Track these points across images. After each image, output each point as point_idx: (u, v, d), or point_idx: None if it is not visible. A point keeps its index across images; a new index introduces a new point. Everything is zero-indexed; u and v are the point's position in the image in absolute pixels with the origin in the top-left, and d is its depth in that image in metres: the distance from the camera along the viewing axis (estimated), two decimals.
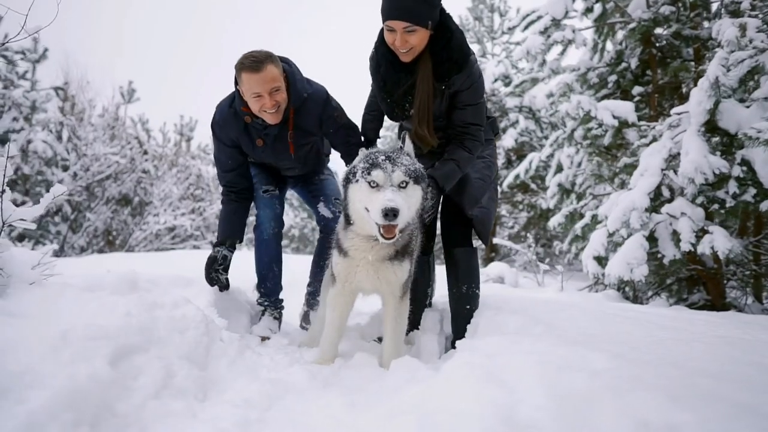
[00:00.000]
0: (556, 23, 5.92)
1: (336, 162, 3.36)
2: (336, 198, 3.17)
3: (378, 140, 3.04)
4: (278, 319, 3.13)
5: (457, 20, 2.58)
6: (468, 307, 2.67)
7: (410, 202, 2.10)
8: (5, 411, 1.22)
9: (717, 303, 4.65)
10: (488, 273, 6.23)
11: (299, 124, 2.84)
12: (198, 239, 13.09)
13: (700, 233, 4.10)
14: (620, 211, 4.40)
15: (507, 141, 10.95)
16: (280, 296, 3.22)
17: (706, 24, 5.95)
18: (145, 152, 12.88)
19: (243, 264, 3.43)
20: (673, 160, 4.39)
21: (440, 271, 3.08)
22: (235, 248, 3.08)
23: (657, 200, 4.44)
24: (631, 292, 5.13)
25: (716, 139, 4.23)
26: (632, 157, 5.13)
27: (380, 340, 2.72)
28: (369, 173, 2.06)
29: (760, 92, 3.96)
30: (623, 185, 5.41)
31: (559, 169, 7.35)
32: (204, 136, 17.69)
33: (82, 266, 5.58)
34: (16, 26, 2.70)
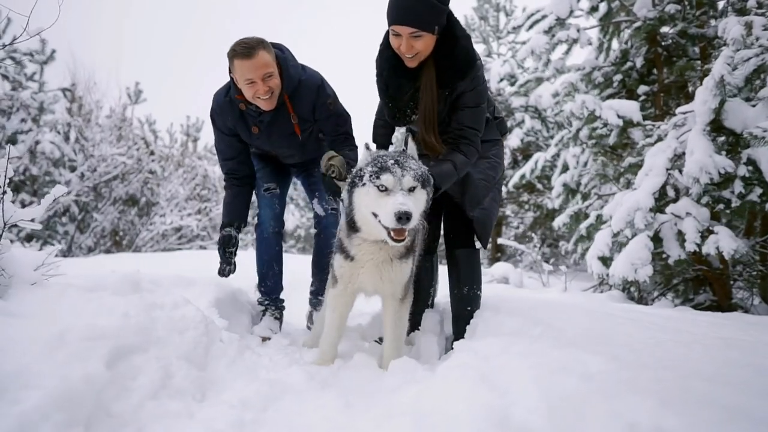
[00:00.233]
0: (561, 22, 5.89)
1: None
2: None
3: (390, 146, 3.00)
4: (279, 319, 3.13)
5: (462, 20, 2.54)
6: (469, 308, 2.66)
7: (418, 206, 2.10)
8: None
9: (723, 304, 4.61)
10: (493, 273, 6.21)
11: (295, 110, 2.84)
12: (204, 239, 13.14)
13: (706, 233, 4.06)
14: (624, 211, 4.37)
15: (513, 141, 10.92)
16: (281, 296, 3.23)
17: (713, 22, 5.90)
18: (152, 153, 12.95)
19: (244, 264, 3.44)
20: (678, 159, 4.36)
21: (443, 271, 3.07)
22: (240, 230, 3.07)
23: (662, 200, 4.41)
24: (636, 292, 5.10)
25: (722, 138, 4.19)
26: (637, 157, 5.10)
27: (381, 340, 2.72)
28: (378, 177, 2.04)
29: (766, 91, 3.92)
30: (628, 185, 5.37)
31: (565, 168, 7.32)
32: (210, 137, 17.73)
33: (87, 266, 5.62)
34: (22, 28, 2.73)
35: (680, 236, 4.15)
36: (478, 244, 2.79)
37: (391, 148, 2.92)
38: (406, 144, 2.28)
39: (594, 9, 6.41)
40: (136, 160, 11.78)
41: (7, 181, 2.18)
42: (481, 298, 2.72)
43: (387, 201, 2.00)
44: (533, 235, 10.98)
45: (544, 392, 1.26)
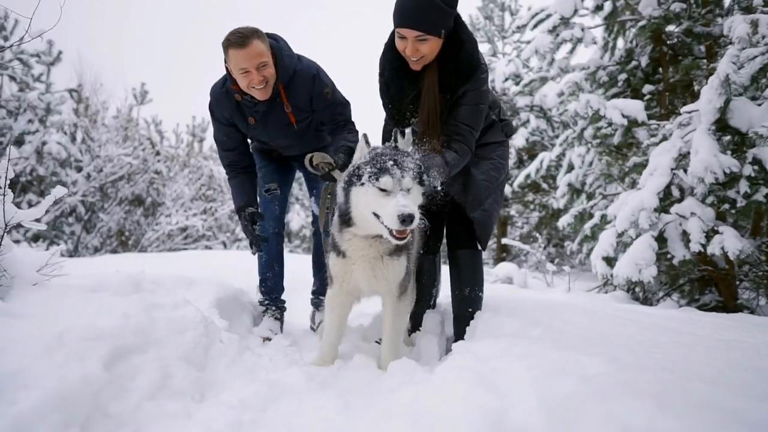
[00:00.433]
0: (565, 21, 5.87)
1: None
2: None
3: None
4: (279, 319, 3.14)
5: (467, 20, 2.49)
6: (470, 309, 2.64)
7: (417, 203, 2.11)
8: None
9: (729, 304, 4.57)
10: (497, 273, 6.19)
11: (290, 100, 2.83)
12: (210, 239, 13.19)
13: (712, 233, 4.03)
14: (629, 211, 4.35)
15: (518, 140, 10.89)
16: (283, 297, 3.23)
17: (719, 20, 5.85)
18: (158, 153, 13.01)
19: (246, 265, 3.46)
20: (683, 159, 4.33)
21: (445, 271, 3.05)
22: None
23: (666, 200, 4.38)
24: (640, 293, 5.07)
25: (727, 137, 4.16)
26: (642, 157, 5.07)
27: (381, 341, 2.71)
28: (378, 179, 2.04)
29: None
30: (633, 185, 5.34)
31: (570, 168, 7.29)
32: None
33: (92, 266, 5.65)
34: (28, 30, 2.75)
35: (685, 236, 4.12)
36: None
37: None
38: (395, 139, 2.27)
39: (599, 8, 6.37)
40: (141, 160, 11.83)
41: (9, 182, 2.19)
42: (482, 299, 2.70)
43: (388, 202, 2.01)
44: (538, 235, 10.94)
45: (542, 394, 1.25)
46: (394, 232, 2.01)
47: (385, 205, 2.02)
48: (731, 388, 1.27)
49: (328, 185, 2.68)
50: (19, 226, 2.28)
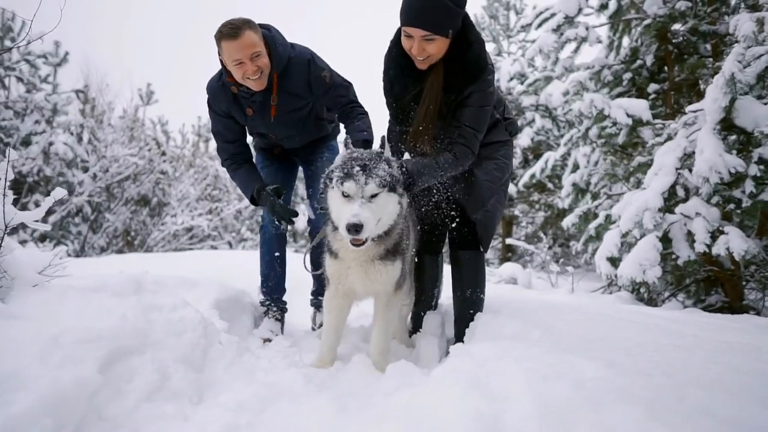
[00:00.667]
0: (569, 21, 5.83)
1: None
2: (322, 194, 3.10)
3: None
4: (280, 320, 3.13)
5: (472, 19, 2.44)
6: (471, 311, 2.62)
7: (384, 211, 2.08)
8: None
9: (735, 305, 4.53)
10: (501, 274, 6.16)
11: (286, 88, 2.81)
12: (215, 239, 13.23)
13: (717, 233, 4.00)
14: (633, 211, 4.31)
15: (523, 140, 10.84)
16: (284, 298, 3.23)
17: (726, 18, 5.80)
18: (163, 153, 13.06)
19: (249, 265, 3.46)
20: (688, 158, 4.29)
21: (447, 272, 3.02)
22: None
23: (671, 200, 4.34)
24: (645, 293, 5.03)
25: (733, 137, 4.12)
26: (647, 156, 5.03)
27: None
28: (342, 183, 2.05)
29: None
30: (639, 184, 5.30)
31: (575, 168, 7.25)
32: None
33: (97, 267, 5.67)
34: (35, 31, 2.77)
35: (690, 237, 4.09)
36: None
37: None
38: (382, 145, 2.25)
39: (604, 6, 6.33)
40: (147, 160, 11.89)
41: (15, 182, 2.20)
42: (484, 301, 2.68)
43: (346, 208, 2.02)
44: (543, 235, 10.89)
45: (537, 399, 1.24)
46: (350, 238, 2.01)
47: (343, 211, 2.02)
48: (729, 393, 1.26)
49: None
50: (24, 226, 2.29)
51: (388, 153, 2.23)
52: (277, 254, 3.12)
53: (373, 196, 2.05)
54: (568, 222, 6.36)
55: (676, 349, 1.83)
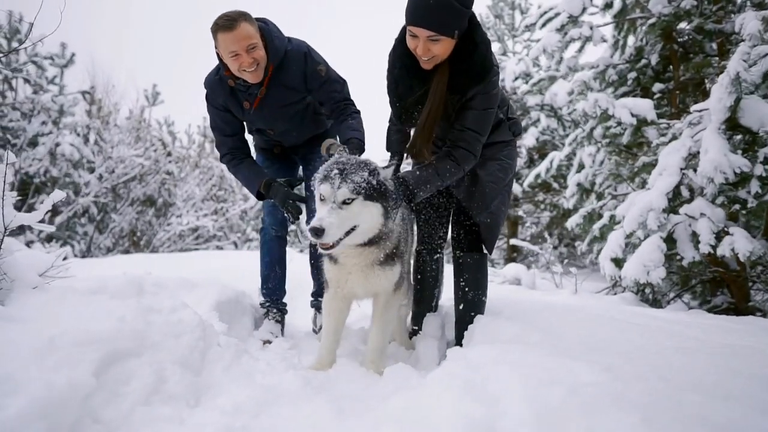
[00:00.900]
0: (574, 20, 5.81)
1: None
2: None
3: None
4: (280, 322, 3.13)
5: (477, 18, 2.41)
6: (473, 313, 2.59)
7: (359, 219, 2.06)
8: None
9: (741, 306, 4.49)
10: (505, 274, 6.13)
11: (283, 81, 2.81)
12: (221, 240, 13.27)
13: (722, 234, 3.96)
14: (637, 211, 4.28)
15: (528, 140, 10.80)
16: (284, 299, 3.23)
17: (732, 17, 5.75)
18: (169, 154, 13.11)
19: (254, 266, 3.45)
20: (692, 158, 4.25)
21: (448, 273, 3.00)
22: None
23: (676, 200, 4.30)
24: (650, 294, 4.99)
25: (738, 137, 4.08)
26: (652, 156, 5.00)
27: None
28: (319, 185, 2.07)
29: None
30: (644, 185, 5.26)
31: (581, 167, 7.21)
32: None
33: (101, 267, 5.70)
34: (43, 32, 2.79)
35: (694, 237, 4.05)
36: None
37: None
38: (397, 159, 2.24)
39: (608, 5, 6.29)
40: (153, 161, 11.94)
41: (8, 185, 2.20)
42: (485, 303, 2.65)
43: (318, 211, 2.03)
44: (547, 235, 10.85)
45: (531, 405, 1.22)
46: None
47: (317, 213, 2.04)
48: (728, 399, 1.24)
49: None
50: (30, 227, 2.30)
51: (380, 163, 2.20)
52: (276, 257, 3.12)
53: (346, 202, 2.03)
54: (572, 222, 6.33)
55: (676, 352, 1.81)
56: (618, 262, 4.60)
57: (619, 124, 5.40)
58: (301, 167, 3.36)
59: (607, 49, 6.80)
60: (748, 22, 3.98)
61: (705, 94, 5.87)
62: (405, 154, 2.79)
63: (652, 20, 5.74)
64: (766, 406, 1.25)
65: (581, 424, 1.04)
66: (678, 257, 4.27)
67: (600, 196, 6.61)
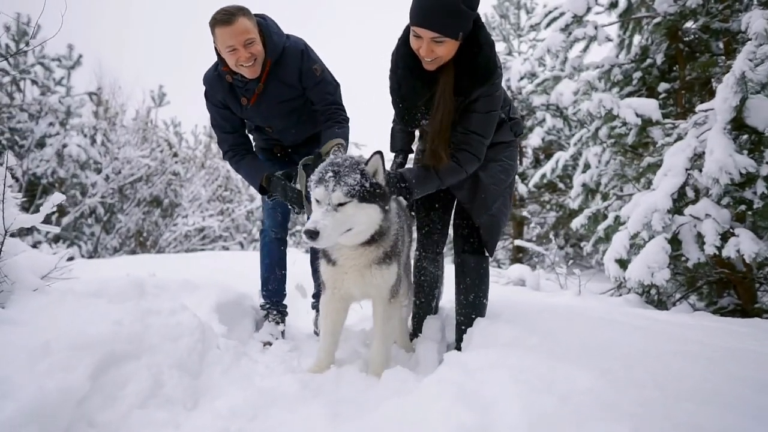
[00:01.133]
0: (578, 20, 5.77)
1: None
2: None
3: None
4: (280, 324, 3.12)
5: (482, 18, 2.38)
6: (473, 316, 2.57)
7: (354, 221, 2.06)
8: None
9: (748, 308, 4.44)
10: (509, 275, 6.11)
11: (280, 77, 2.80)
12: (227, 240, 13.31)
13: (728, 235, 3.92)
14: (641, 212, 4.24)
15: (534, 140, 10.76)
16: (284, 301, 3.22)
17: (739, 15, 5.69)
18: (175, 154, 13.16)
19: (251, 268, 3.46)
20: (698, 159, 4.20)
21: (448, 274, 2.97)
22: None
23: (681, 201, 4.26)
24: (655, 295, 4.95)
25: (744, 137, 4.03)
26: (657, 157, 4.95)
27: None
28: (315, 188, 2.06)
29: None
30: (649, 185, 5.22)
31: (586, 168, 7.16)
32: None
33: (107, 268, 5.72)
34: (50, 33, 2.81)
35: (700, 238, 4.01)
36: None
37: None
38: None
39: (613, 5, 6.24)
40: (159, 162, 11.99)
41: (14, 186, 2.22)
42: (486, 306, 2.63)
43: (313, 213, 2.03)
44: (552, 236, 10.79)
45: (524, 412, 1.21)
46: None
47: (312, 215, 2.04)
48: (723, 407, 1.22)
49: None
50: (37, 229, 2.31)
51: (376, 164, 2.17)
52: (276, 258, 3.12)
53: (341, 204, 2.03)
54: (577, 223, 6.29)
55: (676, 356, 1.79)
56: (622, 263, 4.55)
57: (624, 124, 5.35)
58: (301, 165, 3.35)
59: (613, 49, 6.75)
60: (754, 20, 3.94)
61: (711, 94, 5.81)
62: (411, 152, 2.79)
63: (658, 19, 5.69)
64: (761, 412, 1.23)
65: None
66: (683, 258, 4.23)
67: (605, 197, 6.57)
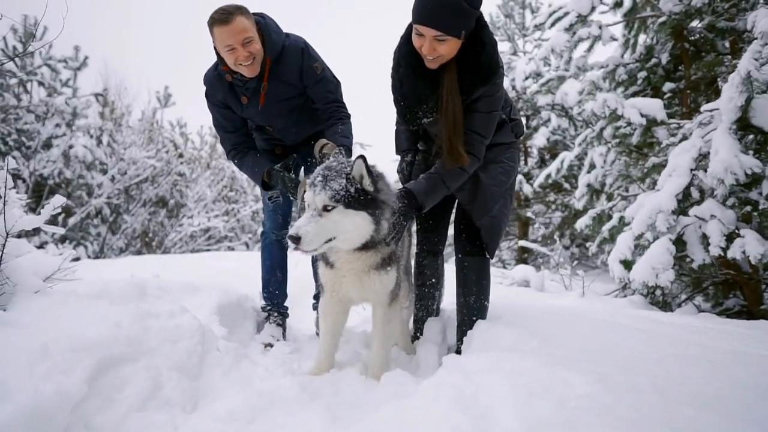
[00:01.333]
0: (582, 19, 5.74)
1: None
2: None
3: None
4: (281, 325, 3.12)
5: (487, 18, 2.36)
6: (474, 318, 2.55)
7: (340, 228, 2.02)
8: None
9: (754, 309, 4.41)
10: (513, 276, 6.09)
11: (280, 75, 2.80)
12: (232, 240, 13.34)
13: (734, 235, 3.88)
14: (646, 213, 4.21)
15: (539, 140, 10.72)
16: (286, 303, 3.22)
17: (746, 14, 5.64)
18: (181, 155, 13.21)
19: (254, 269, 3.45)
20: (703, 159, 4.17)
21: (449, 276, 2.96)
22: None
23: (686, 202, 4.23)
24: (660, 296, 4.92)
25: (749, 137, 4.00)
26: (662, 157, 4.92)
27: None
28: (307, 190, 2.05)
29: None
30: (654, 186, 5.18)
31: (591, 168, 7.12)
32: None
33: (112, 269, 5.75)
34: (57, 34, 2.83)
35: (704, 239, 3.98)
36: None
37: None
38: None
39: (618, 4, 6.20)
40: (165, 162, 12.04)
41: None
42: (488, 308, 2.62)
43: (301, 217, 2.01)
44: (557, 237, 10.74)
45: (520, 418, 1.20)
46: None
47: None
48: (722, 413, 1.21)
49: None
50: (39, 230, 2.33)
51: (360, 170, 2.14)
52: (277, 260, 3.12)
53: (326, 209, 2.01)
54: (581, 224, 6.26)
55: (677, 360, 1.77)
56: (627, 264, 4.52)
57: (629, 124, 5.32)
58: (303, 168, 3.35)
59: (617, 48, 6.72)
60: (760, 19, 3.90)
61: (717, 93, 5.76)
62: (416, 151, 2.76)
63: (663, 18, 5.65)
64: (761, 417, 1.22)
65: None
66: (688, 259, 4.20)
67: (610, 197, 6.53)
